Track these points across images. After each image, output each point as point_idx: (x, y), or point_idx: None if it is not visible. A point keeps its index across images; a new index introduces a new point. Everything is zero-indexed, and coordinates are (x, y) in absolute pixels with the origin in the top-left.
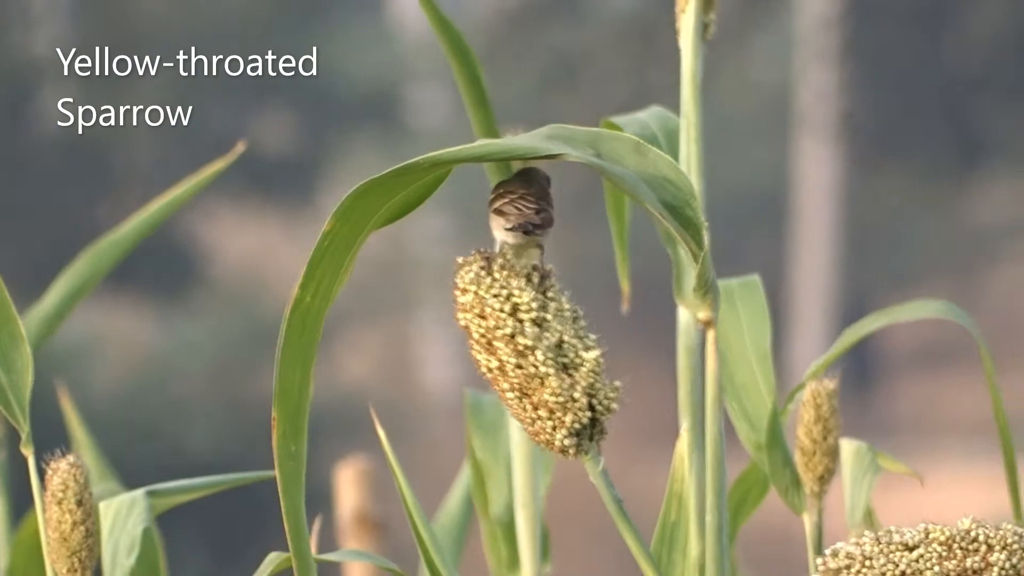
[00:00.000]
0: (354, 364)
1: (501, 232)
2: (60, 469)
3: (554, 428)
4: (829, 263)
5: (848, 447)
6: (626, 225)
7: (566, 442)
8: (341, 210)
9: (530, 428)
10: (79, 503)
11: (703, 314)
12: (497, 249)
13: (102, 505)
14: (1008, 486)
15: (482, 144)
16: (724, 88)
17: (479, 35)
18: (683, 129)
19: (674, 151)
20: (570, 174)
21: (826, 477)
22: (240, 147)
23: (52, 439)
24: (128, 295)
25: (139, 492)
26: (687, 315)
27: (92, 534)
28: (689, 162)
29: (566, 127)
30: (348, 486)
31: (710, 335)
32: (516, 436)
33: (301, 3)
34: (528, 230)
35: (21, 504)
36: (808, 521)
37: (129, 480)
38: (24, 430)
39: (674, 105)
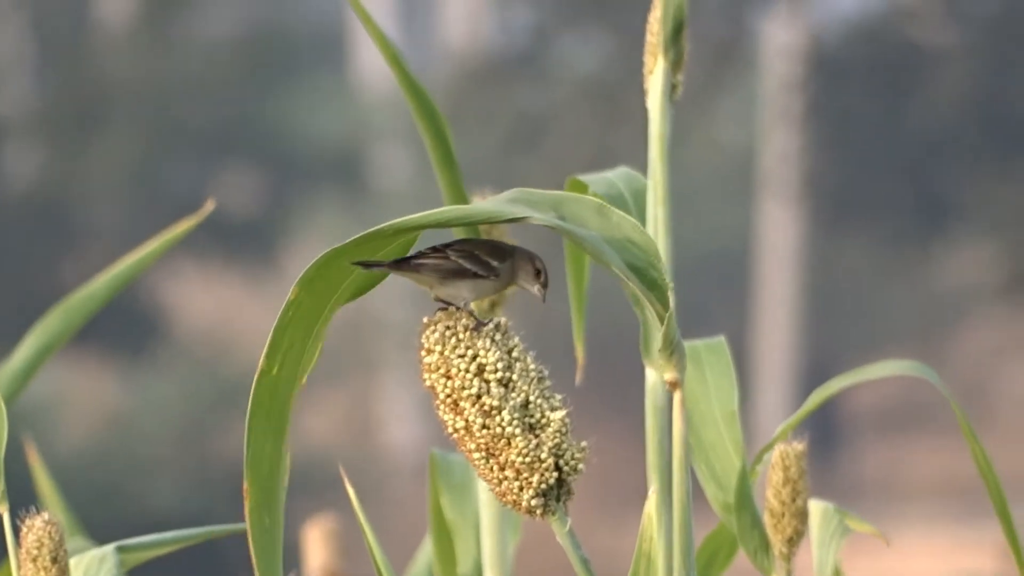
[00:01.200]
0: (317, 424)
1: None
2: (35, 527)
3: (521, 489)
4: (793, 324)
5: (816, 508)
6: (584, 294)
7: (533, 502)
8: (305, 279)
9: (497, 489)
10: (54, 560)
11: (669, 375)
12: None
13: (72, 561)
14: (1007, 540)
15: (447, 210)
16: (689, 149)
17: (443, 96)
18: (651, 190)
19: (641, 211)
20: (534, 237)
21: (795, 539)
22: (209, 205)
23: (18, 497)
24: (92, 353)
25: (109, 547)
26: (654, 376)
27: None
28: (657, 223)
29: (529, 191)
30: (316, 545)
31: (676, 396)
32: (484, 496)
33: (264, 63)
34: (396, 266)
35: None
36: None
37: (95, 537)
38: None
39: (636, 164)
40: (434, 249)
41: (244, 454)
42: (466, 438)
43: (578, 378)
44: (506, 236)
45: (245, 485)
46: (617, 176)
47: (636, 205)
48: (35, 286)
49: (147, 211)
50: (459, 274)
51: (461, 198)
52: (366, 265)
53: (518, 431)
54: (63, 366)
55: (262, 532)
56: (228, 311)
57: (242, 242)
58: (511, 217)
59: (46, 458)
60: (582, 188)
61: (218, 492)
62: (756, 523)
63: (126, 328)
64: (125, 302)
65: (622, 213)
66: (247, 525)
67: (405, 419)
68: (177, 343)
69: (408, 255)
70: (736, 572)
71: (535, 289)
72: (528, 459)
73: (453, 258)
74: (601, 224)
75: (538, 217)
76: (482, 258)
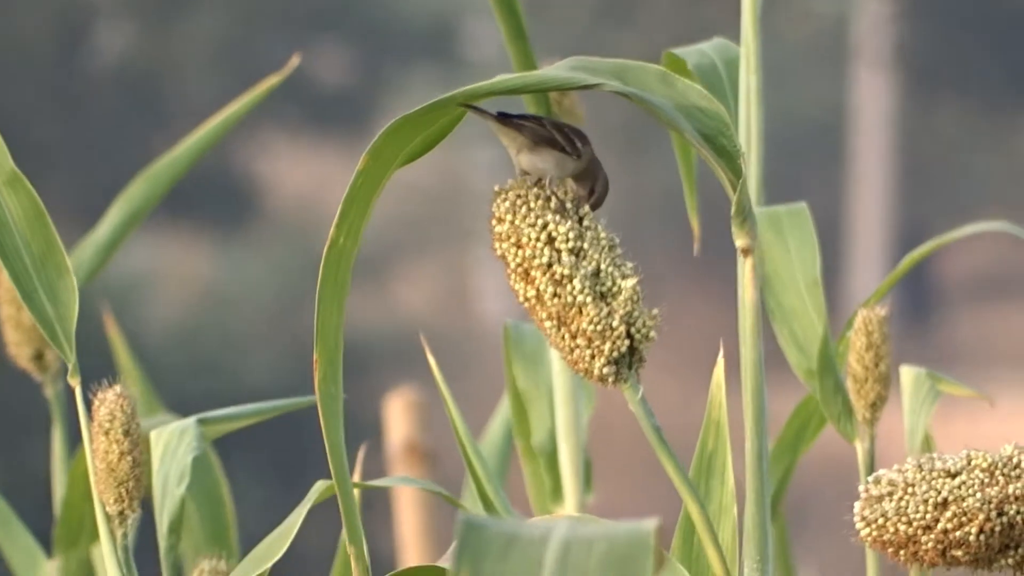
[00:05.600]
0: (410, 297)
1: (516, 147)
2: (107, 399)
3: (592, 357)
4: (886, 194)
5: (908, 373)
6: (693, 164)
7: (605, 370)
8: (374, 148)
9: (568, 357)
10: (126, 433)
11: (741, 242)
12: (546, 180)
13: (153, 434)
14: None
15: (515, 77)
16: (780, 19)
17: None
18: (743, 58)
19: (734, 81)
20: (612, 108)
21: (878, 404)
22: (295, 61)
23: (110, 372)
24: (186, 229)
25: (189, 420)
26: None
27: (139, 464)
28: (749, 92)
29: (588, 59)
30: (397, 416)
31: (747, 263)
32: (558, 366)
33: None
34: (502, 118)
35: (77, 435)
36: (860, 448)
37: (189, 413)
38: (71, 361)
39: (730, 37)
40: (531, 116)
41: (315, 325)
42: (537, 307)
43: (696, 247)
44: (578, 107)
45: (315, 355)
46: (711, 47)
47: (729, 75)
48: (127, 162)
49: (239, 85)
50: (551, 143)
51: (531, 70)
52: (473, 109)
53: (589, 299)
54: (157, 242)
55: (329, 400)
56: (321, 185)
57: (335, 116)
58: (584, 84)
59: (141, 333)
60: (679, 62)
61: (311, 367)
62: (839, 389)
63: (220, 203)
64: (218, 177)
65: (687, 80)
66: (316, 394)
67: (499, 291)
68: (270, 218)
69: (512, 114)
70: (825, 442)
71: (583, 202)
72: (599, 327)
73: (548, 127)
74: (666, 92)
75: (612, 84)
76: (570, 135)
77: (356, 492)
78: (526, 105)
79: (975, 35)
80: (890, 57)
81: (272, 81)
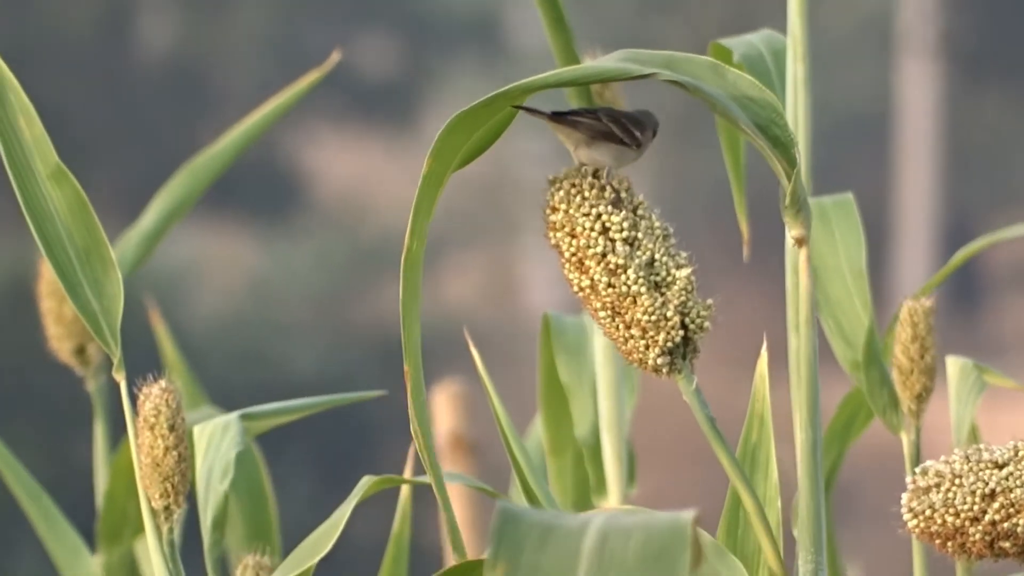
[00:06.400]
0: (457, 288)
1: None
2: (152, 394)
3: (647, 347)
4: (932, 183)
5: (954, 364)
6: (742, 164)
7: (659, 361)
8: (435, 150)
9: (623, 347)
10: (171, 428)
11: (795, 232)
12: (606, 172)
13: (196, 429)
14: None
15: (569, 70)
16: (826, 9)
17: None
18: (790, 47)
19: (781, 72)
20: (659, 101)
21: (924, 396)
22: (335, 57)
23: (153, 364)
24: (230, 220)
25: (233, 415)
26: None
27: (185, 459)
28: (796, 81)
29: (638, 51)
30: (443, 408)
31: (802, 253)
32: (601, 357)
33: None
34: (555, 117)
35: (119, 430)
36: (906, 440)
37: (234, 404)
38: (116, 355)
39: (776, 27)
40: (586, 110)
41: (402, 337)
42: (591, 297)
43: (745, 251)
44: (619, 99)
45: (406, 367)
46: (758, 38)
47: (776, 65)
48: (172, 154)
49: (283, 75)
50: (608, 137)
51: (573, 60)
52: (526, 109)
53: (644, 289)
54: (201, 232)
55: (420, 410)
56: (366, 175)
57: (379, 106)
58: (638, 75)
59: (185, 326)
60: (725, 53)
61: (357, 357)
62: (885, 380)
63: (264, 193)
64: (263, 167)
65: (737, 71)
66: (410, 406)
67: (546, 281)
68: (316, 208)
69: (565, 111)
70: (870, 433)
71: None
72: (654, 317)
73: (604, 120)
74: (716, 83)
75: (665, 74)
76: (628, 126)
77: (405, 487)
78: (568, 97)
79: (1021, 23)
80: (936, 46)
81: (313, 76)
